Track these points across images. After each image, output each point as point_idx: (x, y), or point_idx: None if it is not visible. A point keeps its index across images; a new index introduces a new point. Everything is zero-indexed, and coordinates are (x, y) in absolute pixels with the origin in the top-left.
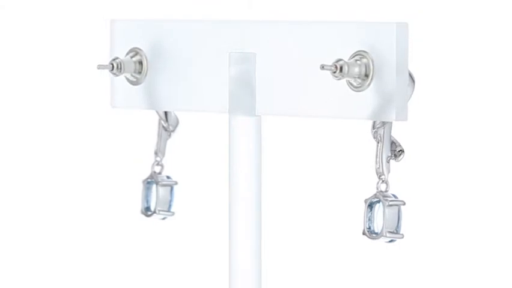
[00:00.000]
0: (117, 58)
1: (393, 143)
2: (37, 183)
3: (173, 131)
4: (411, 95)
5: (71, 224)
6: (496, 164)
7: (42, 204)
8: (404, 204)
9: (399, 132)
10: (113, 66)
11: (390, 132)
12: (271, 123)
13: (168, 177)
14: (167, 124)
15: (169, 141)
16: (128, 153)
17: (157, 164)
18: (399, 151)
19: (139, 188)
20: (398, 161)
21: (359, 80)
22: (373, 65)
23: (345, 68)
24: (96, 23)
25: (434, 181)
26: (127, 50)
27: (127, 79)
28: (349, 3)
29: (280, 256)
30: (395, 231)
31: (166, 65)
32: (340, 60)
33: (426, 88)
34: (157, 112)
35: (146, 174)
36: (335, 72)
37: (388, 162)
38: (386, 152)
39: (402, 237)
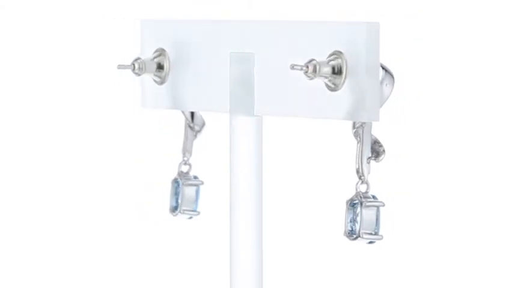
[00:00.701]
0: (139, 58)
1: (376, 143)
2: (67, 182)
3: (199, 131)
4: (390, 93)
5: (93, 221)
6: (488, 163)
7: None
8: (384, 205)
9: (397, 133)
10: (134, 67)
11: (370, 132)
12: (273, 123)
13: (195, 177)
14: (193, 124)
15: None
16: (158, 153)
17: (184, 164)
18: (379, 151)
19: (166, 186)
20: (378, 161)
21: (333, 80)
22: (346, 65)
23: (316, 68)
24: (121, 23)
25: (428, 181)
26: (153, 50)
27: (153, 79)
28: (350, 3)
29: (281, 256)
30: (373, 233)
31: (187, 65)
32: (312, 60)
33: (425, 88)
34: (182, 112)
35: (173, 173)
36: (306, 72)
37: (368, 163)
38: (366, 153)
39: (381, 239)
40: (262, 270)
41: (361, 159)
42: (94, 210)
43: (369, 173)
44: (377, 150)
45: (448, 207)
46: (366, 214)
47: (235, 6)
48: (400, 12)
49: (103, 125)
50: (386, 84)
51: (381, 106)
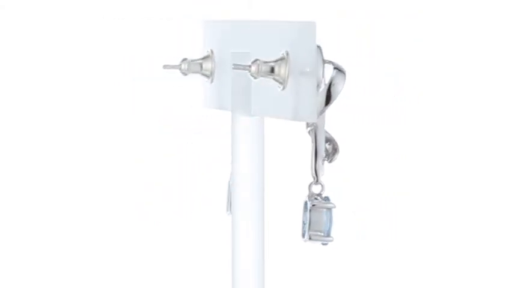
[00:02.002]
0: (185, 59)
1: (329, 141)
2: (67, 182)
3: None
4: (341, 89)
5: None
6: (488, 164)
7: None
8: (335, 207)
9: (397, 133)
10: (180, 67)
11: (323, 132)
12: (275, 122)
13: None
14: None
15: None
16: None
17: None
18: (332, 152)
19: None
20: (330, 162)
21: (279, 80)
22: (287, 65)
23: (260, 68)
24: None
25: (428, 181)
26: (203, 51)
27: (202, 79)
28: (350, 3)
29: (283, 256)
30: (323, 234)
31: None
32: (256, 60)
33: (424, 88)
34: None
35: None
36: (250, 72)
37: (322, 163)
38: (319, 153)
39: (332, 241)
40: (264, 270)
41: (314, 159)
42: (94, 210)
43: (323, 173)
44: (330, 150)
45: (447, 207)
46: (314, 216)
47: (235, 6)
48: (400, 12)
49: (103, 125)
50: (333, 84)
51: (331, 104)
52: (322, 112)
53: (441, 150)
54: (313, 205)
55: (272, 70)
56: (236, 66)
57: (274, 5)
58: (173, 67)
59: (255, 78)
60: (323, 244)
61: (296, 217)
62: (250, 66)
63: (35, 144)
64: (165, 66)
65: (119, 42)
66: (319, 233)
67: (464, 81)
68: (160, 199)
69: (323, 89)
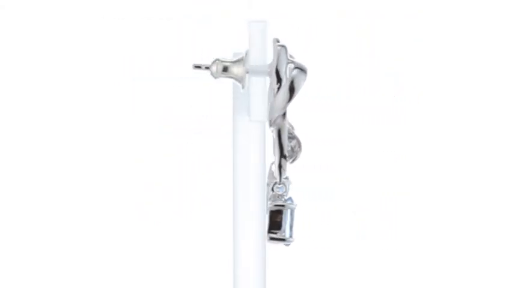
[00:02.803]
0: (217, 60)
1: (291, 139)
2: (67, 182)
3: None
4: (300, 87)
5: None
6: (488, 164)
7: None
8: (295, 207)
9: (397, 133)
10: (208, 68)
11: (285, 132)
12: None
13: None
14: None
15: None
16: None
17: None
18: (295, 151)
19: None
20: (292, 162)
21: (238, 80)
22: (244, 65)
23: (218, 68)
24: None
25: (428, 181)
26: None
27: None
28: (350, 3)
29: (283, 256)
30: (285, 235)
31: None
32: (216, 60)
33: (424, 88)
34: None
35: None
36: (210, 72)
37: (281, 163)
38: (278, 153)
39: (292, 241)
40: (265, 270)
41: (277, 159)
42: (94, 210)
43: (282, 173)
44: (294, 149)
45: (447, 207)
46: (274, 216)
47: (235, 6)
48: (400, 12)
49: (103, 125)
50: (294, 83)
51: (290, 102)
52: (282, 110)
53: (442, 150)
54: (274, 205)
55: (228, 69)
56: (196, 66)
57: (274, 5)
58: (201, 67)
59: (216, 78)
60: (286, 245)
61: (296, 217)
62: (210, 66)
63: (35, 144)
64: (194, 66)
65: (119, 42)
66: (280, 234)
67: (464, 81)
68: (160, 199)
69: (283, 88)
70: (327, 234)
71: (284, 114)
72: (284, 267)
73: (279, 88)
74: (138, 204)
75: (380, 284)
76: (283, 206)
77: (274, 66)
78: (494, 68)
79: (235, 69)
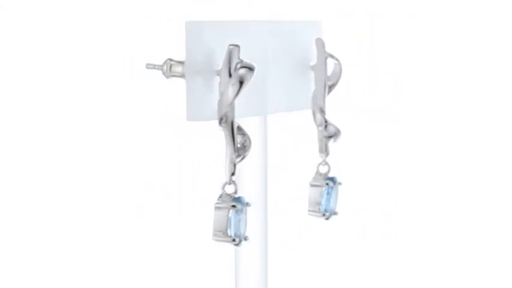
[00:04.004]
0: (168, 59)
1: (244, 136)
2: (67, 181)
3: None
4: (247, 83)
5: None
6: (488, 164)
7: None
8: (243, 208)
9: (397, 133)
10: (161, 67)
11: (230, 131)
12: (277, 121)
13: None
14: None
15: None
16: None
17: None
18: (243, 148)
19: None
20: (240, 160)
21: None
22: (184, 65)
23: (167, 67)
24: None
25: (428, 181)
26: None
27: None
28: (350, 2)
29: (284, 256)
30: (229, 235)
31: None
32: (167, 59)
33: (425, 88)
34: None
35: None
36: (162, 71)
37: (232, 162)
38: (230, 149)
39: (236, 242)
40: (267, 270)
41: (227, 157)
42: (94, 210)
43: (232, 172)
44: (242, 146)
45: (448, 207)
46: (219, 215)
47: (235, 6)
48: (400, 12)
49: (103, 125)
50: (240, 78)
51: (236, 96)
52: (230, 105)
53: (442, 150)
54: (218, 205)
55: (172, 69)
56: (148, 66)
57: (274, 5)
58: (154, 67)
59: (167, 77)
60: (235, 245)
61: (297, 216)
62: (162, 66)
63: (35, 144)
64: (148, 66)
65: (119, 42)
66: (224, 233)
67: (464, 81)
68: (160, 199)
69: (231, 83)
70: (327, 234)
71: (232, 110)
72: (285, 266)
73: (228, 84)
74: (138, 204)
75: (380, 284)
76: (228, 205)
77: (227, 65)
78: (494, 68)
79: (179, 69)
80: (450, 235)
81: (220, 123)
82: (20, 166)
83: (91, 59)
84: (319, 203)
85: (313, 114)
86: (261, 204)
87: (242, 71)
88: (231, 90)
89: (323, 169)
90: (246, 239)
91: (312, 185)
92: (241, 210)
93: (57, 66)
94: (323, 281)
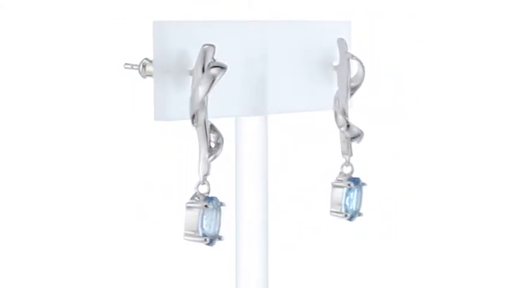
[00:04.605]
0: (144, 59)
1: (216, 133)
2: (67, 182)
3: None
4: (212, 84)
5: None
6: (488, 164)
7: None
8: (214, 207)
9: (397, 133)
10: (138, 67)
11: (202, 130)
12: (278, 121)
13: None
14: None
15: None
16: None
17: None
18: (215, 147)
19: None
20: (213, 159)
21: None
22: (152, 65)
23: (142, 67)
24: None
25: (428, 181)
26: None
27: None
28: (349, 2)
29: (284, 255)
30: (197, 234)
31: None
32: (144, 59)
33: (425, 88)
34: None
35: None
36: (139, 71)
37: (205, 161)
38: (204, 146)
39: (207, 241)
40: (267, 270)
41: (200, 154)
42: (94, 210)
43: (206, 173)
44: (215, 143)
45: (448, 207)
46: (188, 215)
47: (235, 6)
48: (400, 12)
49: (103, 125)
50: (212, 77)
51: (207, 93)
52: (202, 102)
53: (442, 150)
54: (189, 205)
55: (145, 68)
56: (126, 66)
57: (274, 5)
58: (132, 66)
59: (143, 77)
60: (207, 244)
61: (297, 217)
62: (138, 65)
63: (35, 144)
64: (125, 66)
65: (119, 42)
66: (195, 233)
67: (464, 81)
68: (160, 199)
69: (202, 81)
70: (327, 234)
71: (203, 108)
72: (285, 266)
73: (199, 83)
74: (138, 204)
75: (381, 284)
76: (197, 205)
77: (200, 64)
78: (494, 68)
79: (152, 68)
80: (450, 235)
81: (192, 122)
82: (20, 166)
83: (90, 59)
84: (340, 204)
85: (335, 115)
86: (261, 204)
87: (214, 70)
88: (201, 89)
89: (347, 170)
90: (220, 238)
91: (334, 186)
92: (214, 210)
93: (57, 66)
94: (323, 281)
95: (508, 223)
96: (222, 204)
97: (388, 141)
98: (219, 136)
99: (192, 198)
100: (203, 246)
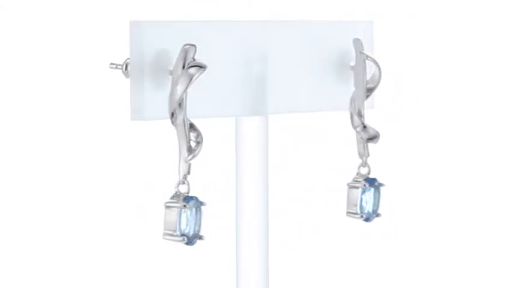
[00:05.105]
0: (128, 59)
1: (195, 131)
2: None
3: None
4: (189, 83)
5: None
6: (488, 163)
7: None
8: (192, 207)
9: (397, 133)
10: (122, 66)
11: (182, 129)
12: (278, 121)
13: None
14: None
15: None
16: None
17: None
18: (195, 146)
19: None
20: (192, 158)
21: None
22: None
23: (124, 67)
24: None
25: (428, 181)
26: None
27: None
28: (349, 2)
29: (285, 255)
30: (176, 234)
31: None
32: (127, 59)
33: (424, 88)
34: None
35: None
36: (122, 70)
37: (185, 161)
38: (185, 145)
39: (185, 241)
40: (268, 270)
41: (181, 153)
42: (94, 210)
43: (187, 173)
44: (195, 142)
45: (448, 207)
46: (167, 214)
47: (235, 6)
48: (400, 12)
49: (103, 125)
50: (190, 75)
51: (184, 91)
52: (179, 100)
53: (442, 150)
54: (168, 204)
55: (128, 68)
56: (111, 66)
57: (274, 5)
58: (117, 66)
59: (126, 76)
60: (186, 244)
61: (297, 217)
62: (122, 65)
63: (35, 144)
64: (111, 66)
65: (118, 41)
66: (174, 232)
67: (464, 81)
68: (160, 199)
69: (180, 80)
70: (327, 234)
71: (182, 107)
72: (286, 266)
73: (177, 82)
74: (138, 204)
75: (381, 284)
76: (175, 205)
77: (179, 64)
78: (494, 68)
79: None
80: (450, 235)
81: (172, 122)
82: (20, 166)
83: (90, 59)
84: (355, 204)
85: (351, 116)
86: (261, 204)
87: (192, 70)
88: (179, 88)
89: (364, 170)
90: (201, 238)
91: (350, 186)
92: (194, 210)
93: (57, 67)
94: (324, 281)
95: (508, 223)
96: (202, 203)
97: (388, 141)
98: (199, 135)
99: (172, 197)
100: (203, 246)
